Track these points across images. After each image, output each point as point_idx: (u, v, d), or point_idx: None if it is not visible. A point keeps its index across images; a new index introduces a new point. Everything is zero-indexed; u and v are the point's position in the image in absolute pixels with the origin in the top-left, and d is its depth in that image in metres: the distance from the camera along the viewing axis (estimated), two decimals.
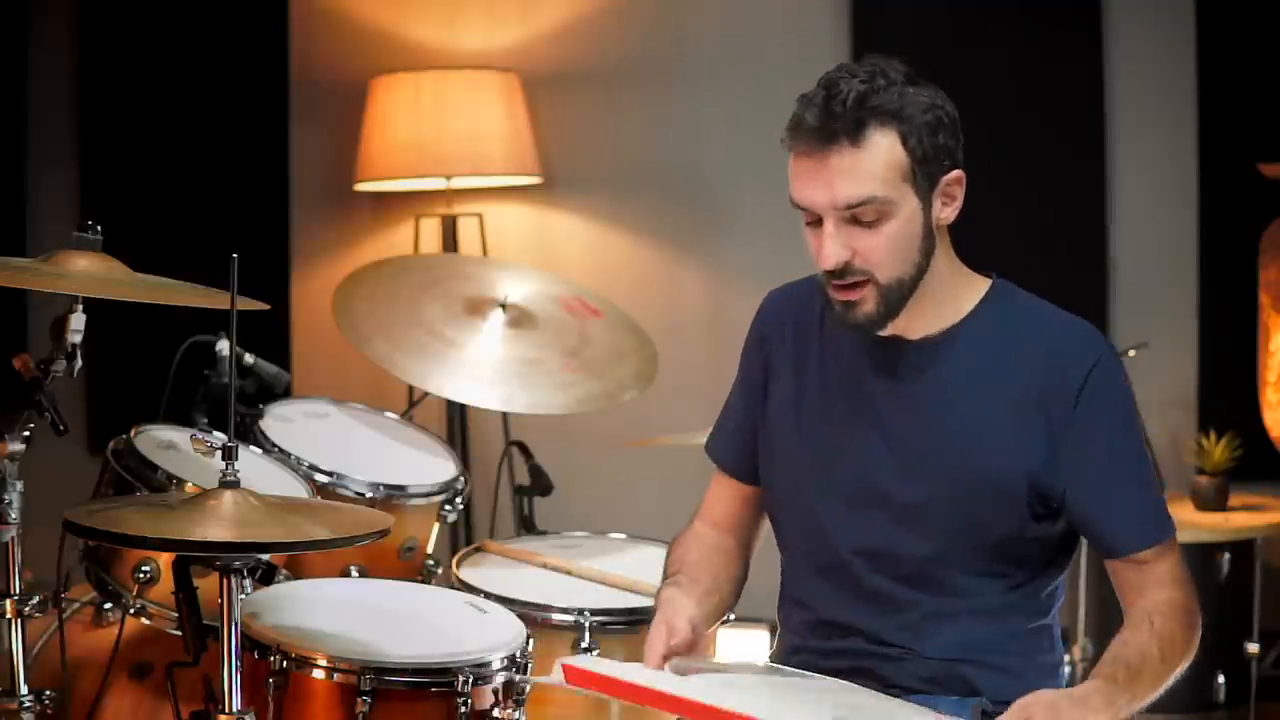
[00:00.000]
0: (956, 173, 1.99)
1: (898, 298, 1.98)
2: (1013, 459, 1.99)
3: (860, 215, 1.93)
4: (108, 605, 2.65)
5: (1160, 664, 1.94)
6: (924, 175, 1.95)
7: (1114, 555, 2.03)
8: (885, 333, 2.05)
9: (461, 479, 3.10)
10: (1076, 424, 1.98)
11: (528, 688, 2.29)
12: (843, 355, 2.11)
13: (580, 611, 2.59)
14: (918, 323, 2.04)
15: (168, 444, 2.66)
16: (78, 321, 2.26)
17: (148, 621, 2.50)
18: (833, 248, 1.94)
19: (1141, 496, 2.03)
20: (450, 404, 4.32)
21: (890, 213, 1.94)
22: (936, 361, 2.04)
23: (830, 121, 1.91)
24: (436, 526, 3.05)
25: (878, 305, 1.97)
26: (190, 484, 2.48)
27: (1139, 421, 2.05)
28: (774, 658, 2.20)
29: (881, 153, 1.92)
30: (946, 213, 2.00)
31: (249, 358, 3.10)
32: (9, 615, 2.31)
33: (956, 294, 2.05)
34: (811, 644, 2.12)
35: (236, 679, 2.05)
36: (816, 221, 1.96)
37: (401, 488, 2.97)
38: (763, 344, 2.21)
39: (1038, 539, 2.03)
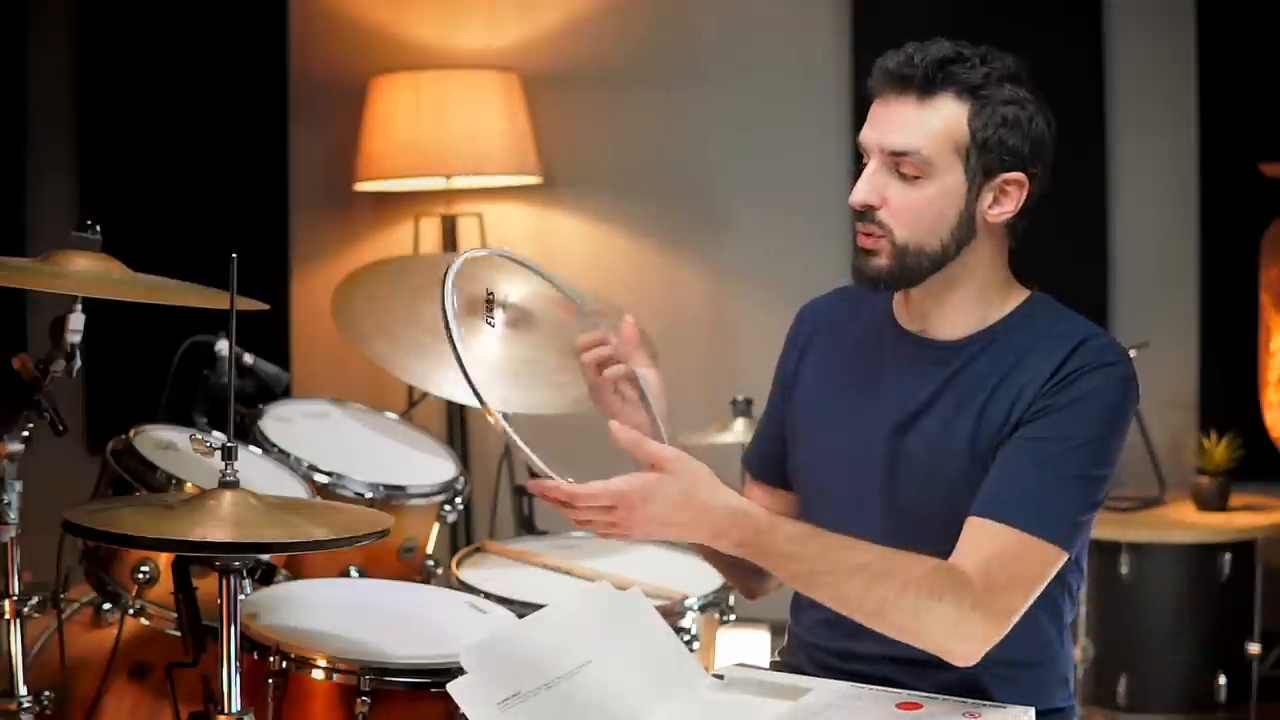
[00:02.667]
0: (1018, 175, 2.00)
1: (914, 265, 1.98)
2: None
3: (902, 166, 1.95)
4: (107, 606, 2.65)
5: (871, 580, 1.82)
6: (979, 160, 1.97)
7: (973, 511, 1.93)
8: (913, 329, 2.06)
9: (461, 479, 3.10)
10: (1042, 398, 1.92)
11: None
12: (867, 355, 2.11)
13: None
14: (946, 323, 2.04)
15: (167, 444, 2.66)
16: (77, 321, 2.25)
17: (147, 622, 2.50)
18: (864, 186, 1.97)
19: (1029, 482, 1.91)
20: (450, 404, 4.32)
21: (930, 175, 1.95)
22: (958, 364, 2.03)
23: (907, 69, 1.97)
24: (436, 526, 3.05)
25: (890, 262, 1.97)
26: (190, 484, 2.48)
27: (1108, 438, 1.94)
28: (782, 658, 2.20)
29: (943, 118, 1.95)
30: (995, 211, 2.00)
31: (248, 358, 3.10)
32: (8, 616, 2.30)
33: (990, 300, 2.04)
34: (824, 644, 2.10)
35: (236, 679, 2.04)
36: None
37: (401, 488, 2.97)
38: (793, 350, 2.22)
39: None
